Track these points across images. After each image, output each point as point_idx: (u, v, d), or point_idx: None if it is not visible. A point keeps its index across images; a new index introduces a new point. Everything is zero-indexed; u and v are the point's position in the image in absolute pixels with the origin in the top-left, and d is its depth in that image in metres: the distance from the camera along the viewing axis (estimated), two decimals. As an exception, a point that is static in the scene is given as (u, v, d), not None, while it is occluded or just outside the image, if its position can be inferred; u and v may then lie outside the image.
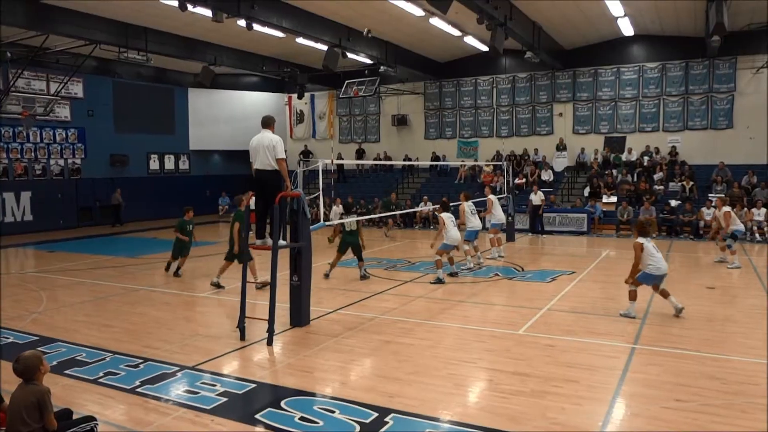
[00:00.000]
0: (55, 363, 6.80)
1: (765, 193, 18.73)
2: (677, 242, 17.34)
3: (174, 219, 25.38)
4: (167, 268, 13.13)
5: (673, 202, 19.46)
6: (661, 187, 21.06)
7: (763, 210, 17.58)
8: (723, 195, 18.66)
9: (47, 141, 23.00)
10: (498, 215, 14.72)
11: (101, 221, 24.37)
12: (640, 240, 8.60)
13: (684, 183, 20.59)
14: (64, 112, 23.33)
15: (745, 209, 17.81)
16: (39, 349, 7.21)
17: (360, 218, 13.74)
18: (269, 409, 5.57)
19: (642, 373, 6.39)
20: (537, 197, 19.42)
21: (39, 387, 4.30)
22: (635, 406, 5.56)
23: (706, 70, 21.77)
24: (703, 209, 18.35)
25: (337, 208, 18.75)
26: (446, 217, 11.91)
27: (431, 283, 11.49)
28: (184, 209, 13.27)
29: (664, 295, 8.66)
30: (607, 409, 5.47)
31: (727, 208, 13.37)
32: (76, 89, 23.54)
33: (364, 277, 12.07)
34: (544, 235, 19.19)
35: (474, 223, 13.31)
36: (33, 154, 22.58)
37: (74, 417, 4.74)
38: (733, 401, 5.57)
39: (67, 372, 6.64)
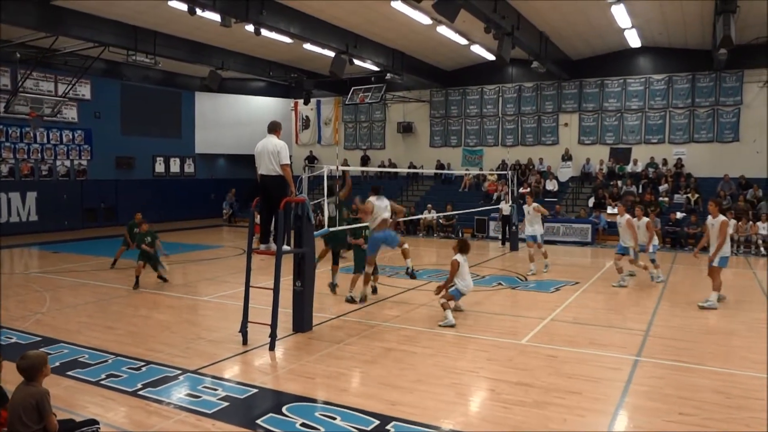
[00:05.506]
0: (57, 364, 6.81)
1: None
2: (681, 254, 17.27)
3: (178, 222, 25.51)
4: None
5: (678, 214, 19.41)
6: (666, 199, 21.03)
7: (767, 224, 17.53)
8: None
9: (54, 142, 23.12)
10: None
11: (105, 223, 24.46)
12: (458, 257, 9.03)
13: (689, 195, 20.56)
14: (71, 114, 23.46)
15: (750, 222, 17.79)
16: (42, 350, 7.24)
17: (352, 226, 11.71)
18: (270, 414, 5.56)
19: (645, 385, 6.36)
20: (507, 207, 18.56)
21: (38, 389, 4.30)
22: (638, 418, 5.53)
23: (713, 83, 21.76)
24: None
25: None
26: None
27: None
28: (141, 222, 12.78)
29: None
30: (609, 421, 5.44)
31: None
32: (84, 91, 23.70)
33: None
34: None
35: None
36: (39, 154, 22.70)
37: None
38: (736, 416, 5.54)
39: (69, 373, 6.65)
